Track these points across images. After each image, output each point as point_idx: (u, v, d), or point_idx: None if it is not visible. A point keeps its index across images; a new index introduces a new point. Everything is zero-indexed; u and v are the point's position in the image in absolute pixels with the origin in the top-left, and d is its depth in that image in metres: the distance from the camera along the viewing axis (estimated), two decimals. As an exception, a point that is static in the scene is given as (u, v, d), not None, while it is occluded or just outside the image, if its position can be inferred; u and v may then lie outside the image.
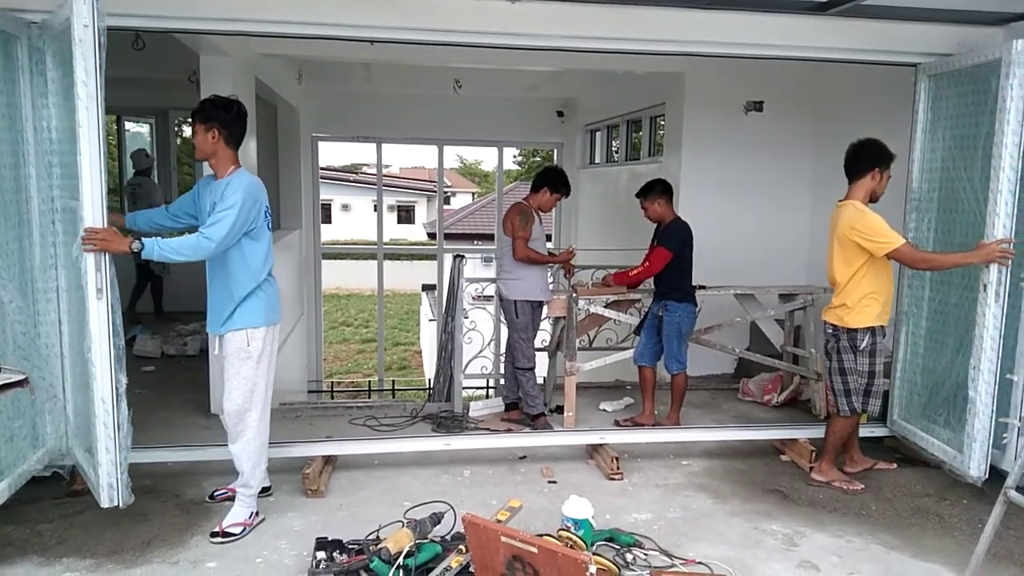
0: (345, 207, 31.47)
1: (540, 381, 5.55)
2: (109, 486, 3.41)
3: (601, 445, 4.65)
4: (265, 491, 3.98)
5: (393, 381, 12.99)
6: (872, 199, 4.13)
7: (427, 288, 19.55)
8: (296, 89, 8.50)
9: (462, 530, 3.03)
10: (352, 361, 19.55)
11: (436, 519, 3.34)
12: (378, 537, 3.31)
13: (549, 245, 5.52)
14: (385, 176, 21.51)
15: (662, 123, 7.92)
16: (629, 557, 3.33)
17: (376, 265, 11.09)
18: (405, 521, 3.33)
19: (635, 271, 5.22)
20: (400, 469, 4.43)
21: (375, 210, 12.12)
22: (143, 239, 3.32)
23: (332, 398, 10.38)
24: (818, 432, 4.64)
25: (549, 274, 5.58)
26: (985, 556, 2.89)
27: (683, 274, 5.14)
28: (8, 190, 3.57)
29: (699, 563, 3.34)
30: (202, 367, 5.65)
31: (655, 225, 5.28)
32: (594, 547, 3.31)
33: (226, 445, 3.75)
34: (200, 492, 4.02)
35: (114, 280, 3.36)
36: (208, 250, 3.40)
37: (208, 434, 4.82)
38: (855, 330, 4.11)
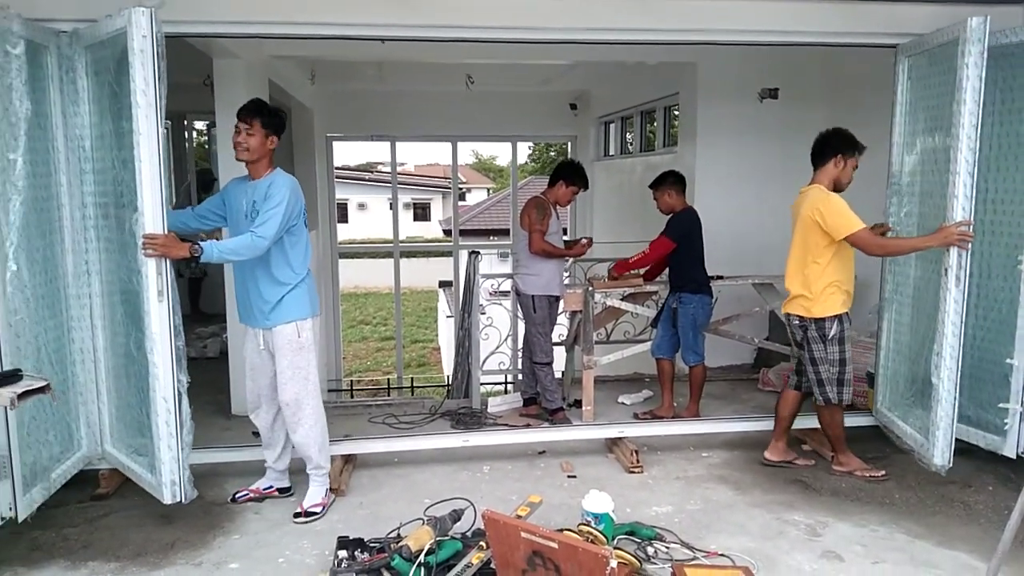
0: (361, 206, 31.59)
1: (558, 376, 5.54)
2: (172, 483, 3.53)
3: (620, 438, 4.64)
4: (285, 491, 4.02)
5: (412, 378, 13.04)
6: (836, 187, 4.11)
7: (444, 285, 19.58)
8: (309, 90, 8.53)
9: (482, 526, 3.03)
10: (371, 359, 19.63)
11: (456, 516, 3.34)
12: (399, 535, 3.32)
13: (565, 238, 5.49)
14: (400, 174, 21.57)
15: (676, 113, 7.87)
16: (650, 551, 3.32)
17: (393, 263, 11.12)
18: (425, 518, 3.34)
19: (634, 258, 5.19)
20: (420, 466, 4.44)
21: (391, 208, 12.11)
22: (201, 243, 3.46)
23: (352, 397, 10.42)
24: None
25: (565, 268, 5.56)
26: (1012, 543, 2.85)
27: (695, 265, 5.11)
28: (39, 198, 3.63)
29: (721, 555, 3.33)
30: (222, 369, 5.71)
31: (668, 218, 5.25)
32: (615, 541, 3.31)
33: (248, 447, 3.79)
34: (222, 493, 4.05)
35: (174, 283, 3.48)
36: (262, 248, 3.55)
37: (229, 435, 4.87)
38: (822, 319, 4.10)
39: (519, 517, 3.14)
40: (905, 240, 4.18)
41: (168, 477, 3.52)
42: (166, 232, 3.41)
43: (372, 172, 31.76)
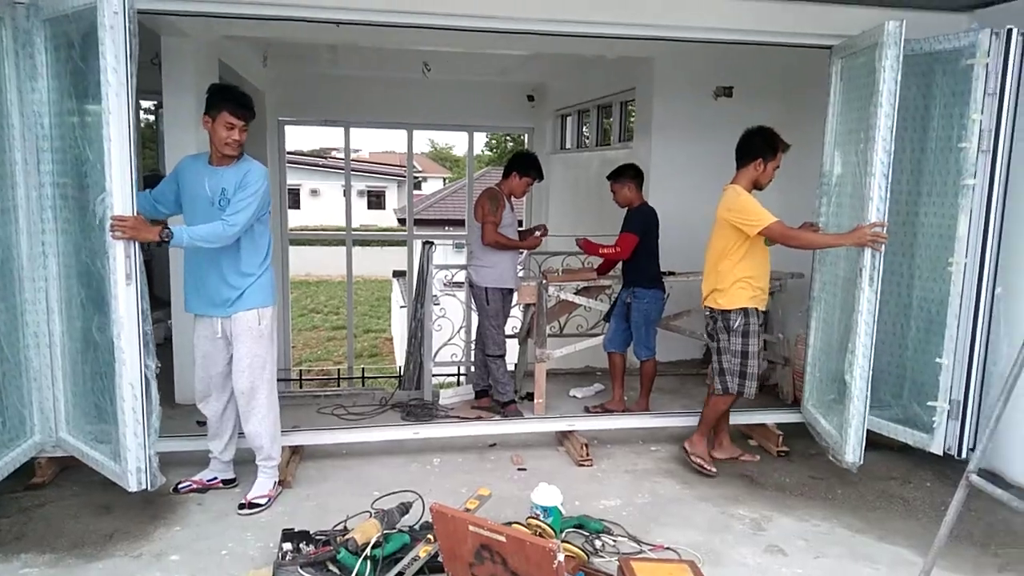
0: (314, 192, 31.12)
1: (510, 368, 5.53)
2: (138, 470, 3.45)
3: (571, 432, 4.65)
4: (229, 483, 3.94)
5: (363, 369, 12.90)
6: (756, 187, 4.21)
7: (398, 274, 19.43)
8: (262, 72, 8.34)
9: (430, 520, 3.00)
10: (322, 349, 19.39)
11: (404, 509, 3.31)
12: (345, 528, 3.27)
13: (520, 228, 5.47)
14: (354, 161, 21.31)
15: (632, 109, 7.91)
16: (598, 544, 3.34)
17: (345, 251, 10.98)
18: (373, 511, 3.30)
19: (605, 249, 5.19)
20: (369, 458, 4.39)
21: (344, 195, 11.95)
22: (171, 227, 3.38)
23: (301, 387, 10.28)
24: (786, 417, 4.70)
25: (520, 261, 5.54)
26: (948, 537, 2.93)
27: (650, 260, 5.14)
28: (3, 175, 3.49)
29: (667, 548, 3.35)
30: (166, 356, 5.55)
31: (625, 211, 5.27)
32: (563, 534, 3.31)
33: (192, 436, 3.69)
34: (164, 484, 3.94)
35: (142, 267, 3.38)
36: (232, 236, 3.51)
37: (172, 424, 4.74)
38: (728, 311, 4.20)
39: (468, 510, 3.12)
40: (819, 235, 4.25)
41: (134, 464, 3.44)
42: (135, 214, 3.31)
43: (326, 158, 31.33)
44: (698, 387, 6.10)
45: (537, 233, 5.41)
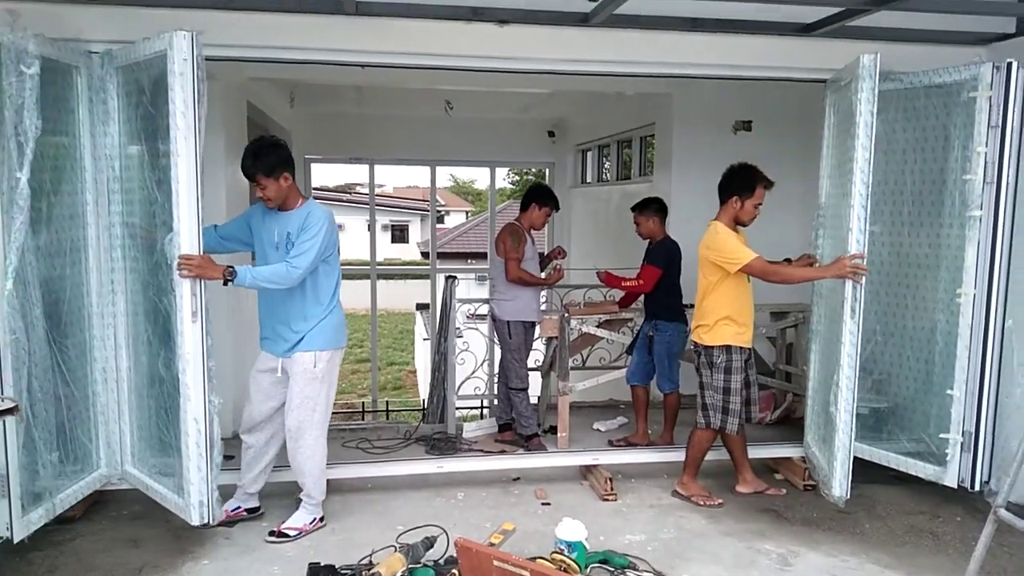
0: (339, 227, 31.39)
1: (534, 401, 5.54)
2: (200, 504, 3.54)
3: (595, 466, 4.65)
4: (253, 511, 4.01)
5: (387, 401, 12.95)
6: (739, 223, 4.27)
7: (421, 307, 19.52)
8: (288, 112, 8.53)
9: (455, 554, 3.02)
10: (346, 382, 19.46)
11: (429, 543, 3.33)
12: (371, 562, 3.30)
13: (539, 251, 5.50)
14: (378, 196, 21.53)
15: (652, 142, 7.97)
16: (623, 579, 3.32)
17: (370, 285, 11.09)
18: (398, 545, 3.32)
19: (628, 282, 5.21)
20: (393, 492, 4.41)
21: (368, 230, 12.10)
22: (235, 267, 3.49)
23: (326, 419, 10.33)
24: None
25: (542, 295, 5.58)
26: (978, 574, 2.89)
27: (672, 293, 5.16)
28: (63, 216, 3.65)
29: (693, 584, 3.33)
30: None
31: (646, 243, 5.30)
32: (588, 570, 3.31)
33: (225, 470, 3.77)
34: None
35: (207, 304, 3.49)
36: (295, 278, 3.61)
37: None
38: (711, 347, 4.27)
39: (492, 545, 3.14)
40: (800, 270, 4.27)
41: (196, 498, 3.52)
42: (202, 254, 3.43)
43: (350, 193, 31.69)
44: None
45: (557, 263, 5.43)
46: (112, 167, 3.78)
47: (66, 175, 3.67)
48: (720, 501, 4.29)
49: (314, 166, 10.36)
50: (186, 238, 3.39)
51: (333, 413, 4.15)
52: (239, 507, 4.00)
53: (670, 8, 4.11)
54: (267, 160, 3.65)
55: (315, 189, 11.51)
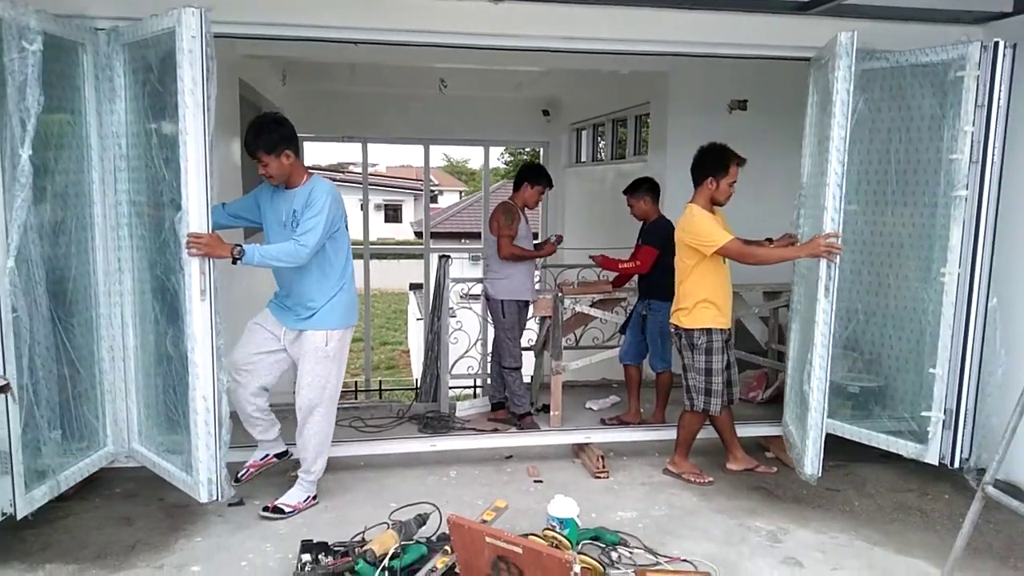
0: (335, 205, 31.24)
1: (527, 380, 5.55)
2: (209, 481, 3.53)
3: (587, 444, 4.67)
4: (282, 455, 4.08)
5: (380, 381, 12.95)
6: (715, 203, 4.27)
7: (415, 287, 19.51)
8: (281, 90, 8.47)
9: (447, 531, 3.03)
10: (339, 361, 19.45)
11: (421, 520, 3.34)
12: (363, 539, 3.31)
13: (535, 241, 5.51)
14: (371, 175, 21.45)
15: (647, 122, 7.94)
16: (614, 556, 3.35)
17: (363, 264, 11.07)
18: (390, 522, 3.33)
19: (624, 264, 5.21)
20: (386, 470, 4.43)
21: (361, 209, 12.05)
22: (243, 245, 3.47)
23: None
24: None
25: (536, 273, 5.58)
26: (965, 550, 2.92)
27: (666, 273, 5.13)
28: (69, 195, 3.62)
29: (683, 560, 3.36)
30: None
31: (640, 223, 5.30)
32: (579, 546, 3.32)
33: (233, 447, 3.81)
34: (185, 496, 3.97)
35: (217, 282, 3.47)
36: (304, 256, 3.58)
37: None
38: (691, 330, 4.27)
39: (484, 522, 3.15)
40: (776, 250, 4.26)
41: (205, 476, 3.52)
42: (210, 232, 3.41)
43: (343, 172, 31.48)
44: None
45: (552, 239, 5.45)
46: (119, 145, 3.75)
47: (72, 153, 3.64)
48: (711, 479, 4.32)
49: (307, 144, 10.30)
50: (195, 216, 3.36)
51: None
52: (267, 454, 4.03)
53: (666, -15, 4.08)
54: (269, 137, 3.61)
55: (307, 168, 11.41)
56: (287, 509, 3.79)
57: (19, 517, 3.31)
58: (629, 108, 8.29)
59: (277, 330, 3.84)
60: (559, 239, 5.52)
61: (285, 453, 4.07)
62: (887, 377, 4.32)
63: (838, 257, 3.82)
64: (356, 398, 10.31)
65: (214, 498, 3.56)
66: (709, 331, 4.23)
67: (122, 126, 3.73)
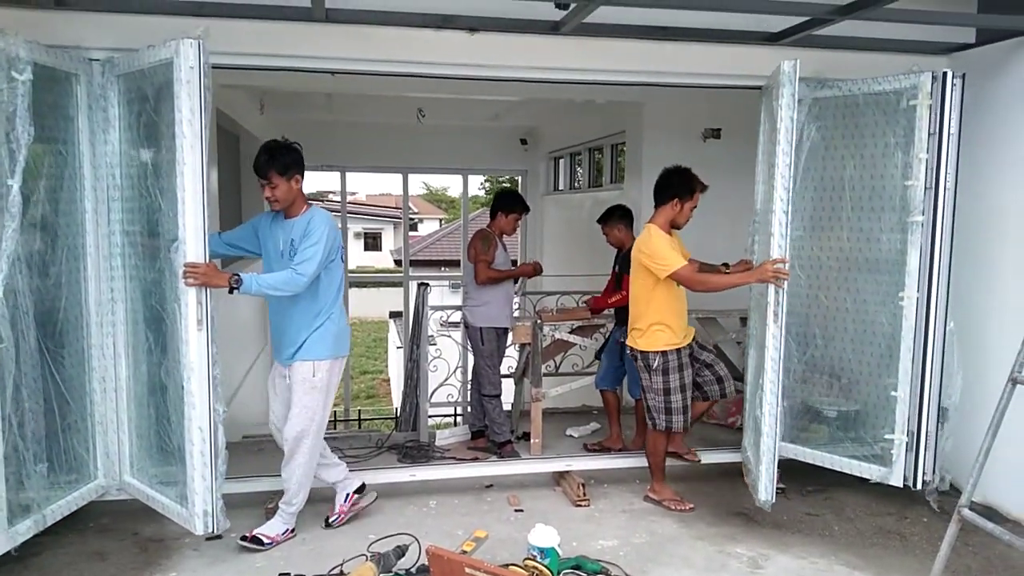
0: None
1: (507, 408, 5.54)
2: (205, 513, 3.51)
3: (567, 472, 4.65)
4: (360, 489, 4.10)
5: (359, 411, 12.87)
6: (674, 226, 4.33)
7: (394, 315, 19.45)
8: (259, 119, 8.47)
9: (427, 562, 3.00)
10: (319, 391, 19.30)
11: (400, 552, 3.31)
12: (342, 571, 3.28)
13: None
14: (351, 203, 21.44)
15: (623, 150, 8.03)
16: (595, 584, 3.33)
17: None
18: (369, 554, 3.30)
19: (614, 299, 5.22)
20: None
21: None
22: (241, 275, 3.48)
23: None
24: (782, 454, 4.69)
25: (515, 300, 5.59)
26: (944, 573, 2.94)
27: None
28: (61, 224, 3.61)
29: (665, 589, 3.35)
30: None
31: (616, 250, 5.34)
32: (560, 575, 3.31)
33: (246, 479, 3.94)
34: (160, 529, 3.93)
35: (213, 312, 3.48)
36: (301, 285, 3.61)
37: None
38: (646, 352, 4.30)
39: (464, 552, 3.13)
40: (725, 276, 4.28)
41: (201, 507, 3.50)
42: (207, 262, 3.41)
43: (323, 201, 31.48)
44: (696, 425, 6.09)
45: (533, 265, 5.49)
46: (112, 175, 3.76)
47: (64, 183, 3.65)
48: (691, 506, 4.32)
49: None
50: (192, 246, 3.38)
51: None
52: (347, 493, 4.05)
53: (639, 17, 4.15)
54: (282, 159, 3.66)
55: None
56: (266, 540, 3.74)
57: (0, 552, 3.24)
58: (605, 137, 8.39)
59: (282, 370, 3.89)
60: (536, 266, 5.55)
61: (363, 486, 4.10)
62: (855, 401, 4.37)
63: (786, 283, 3.86)
64: (336, 428, 10.22)
65: (210, 530, 3.53)
66: (664, 353, 4.26)
67: (116, 156, 3.74)
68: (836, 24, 3.99)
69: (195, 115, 3.31)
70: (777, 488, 4.49)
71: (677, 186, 4.29)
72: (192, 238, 3.37)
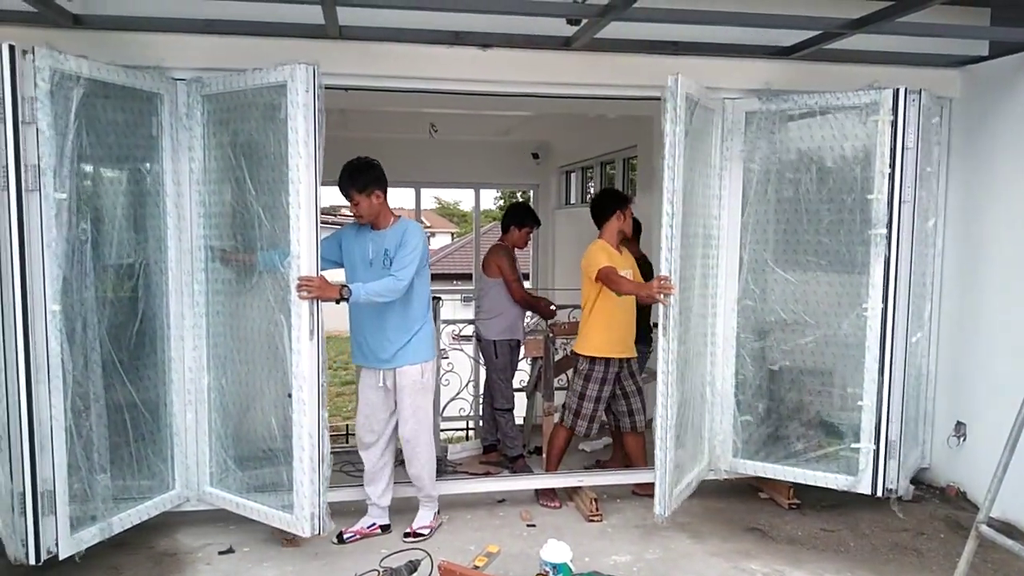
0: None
1: (519, 422, 5.53)
2: (312, 516, 3.63)
3: (580, 487, 4.63)
4: (386, 528, 4.12)
5: (372, 424, 12.80)
6: (625, 237, 4.62)
7: (406, 329, 19.40)
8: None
9: (439, 577, 3.00)
10: (331, 404, 19.25)
11: (413, 567, 3.31)
12: (354, 586, 3.27)
13: (528, 284, 5.55)
14: (363, 218, 21.46)
15: (635, 164, 8.05)
16: (608, 601, 3.31)
17: (354, 307, 11.05)
18: (381, 570, 3.30)
19: None
20: (377, 515, 4.37)
21: (353, 252, 12.06)
22: (350, 285, 3.68)
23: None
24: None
25: (527, 314, 5.60)
26: (961, 591, 2.91)
27: (642, 315, 5.16)
28: (140, 240, 3.74)
29: (679, 605, 3.32)
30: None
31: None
32: (573, 591, 3.29)
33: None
34: (173, 544, 3.94)
35: (323, 323, 3.64)
36: (400, 290, 3.81)
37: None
38: (579, 355, 4.57)
39: (476, 567, 3.12)
40: (630, 283, 4.35)
41: (308, 511, 3.62)
42: (319, 275, 3.57)
43: (336, 216, 31.65)
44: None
45: (552, 308, 5.54)
46: (199, 191, 3.84)
47: (146, 199, 3.76)
48: (557, 503, 4.53)
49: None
50: (305, 261, 3.51)
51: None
52: (374, 523, 4.09)
53: (651, 32, 4.17)
54: (361, 178, 3.84)
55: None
56: (425, 531, 4.02)
57: (62, 557, 3.33)
58: (617, 151, 8.41)
59: (375, 376, 4.00)
60: (549, 307, 5.56)
61: (388, 528, 4.12)
62: (819, 413, 4.42)
63: (671, 298, 3.84)
64: (347, 441, 10.22)
65: (317, 532, 3.66)
66: (593, 360, 4.47)
67: (201, 173, 3.83)
68: (848, 38, 4.00)
69: (310, 136, 3.45)
70: (792, 503, 4.49)
71: (616, 201, 4.60)
72: (306, 253, 3.51)
